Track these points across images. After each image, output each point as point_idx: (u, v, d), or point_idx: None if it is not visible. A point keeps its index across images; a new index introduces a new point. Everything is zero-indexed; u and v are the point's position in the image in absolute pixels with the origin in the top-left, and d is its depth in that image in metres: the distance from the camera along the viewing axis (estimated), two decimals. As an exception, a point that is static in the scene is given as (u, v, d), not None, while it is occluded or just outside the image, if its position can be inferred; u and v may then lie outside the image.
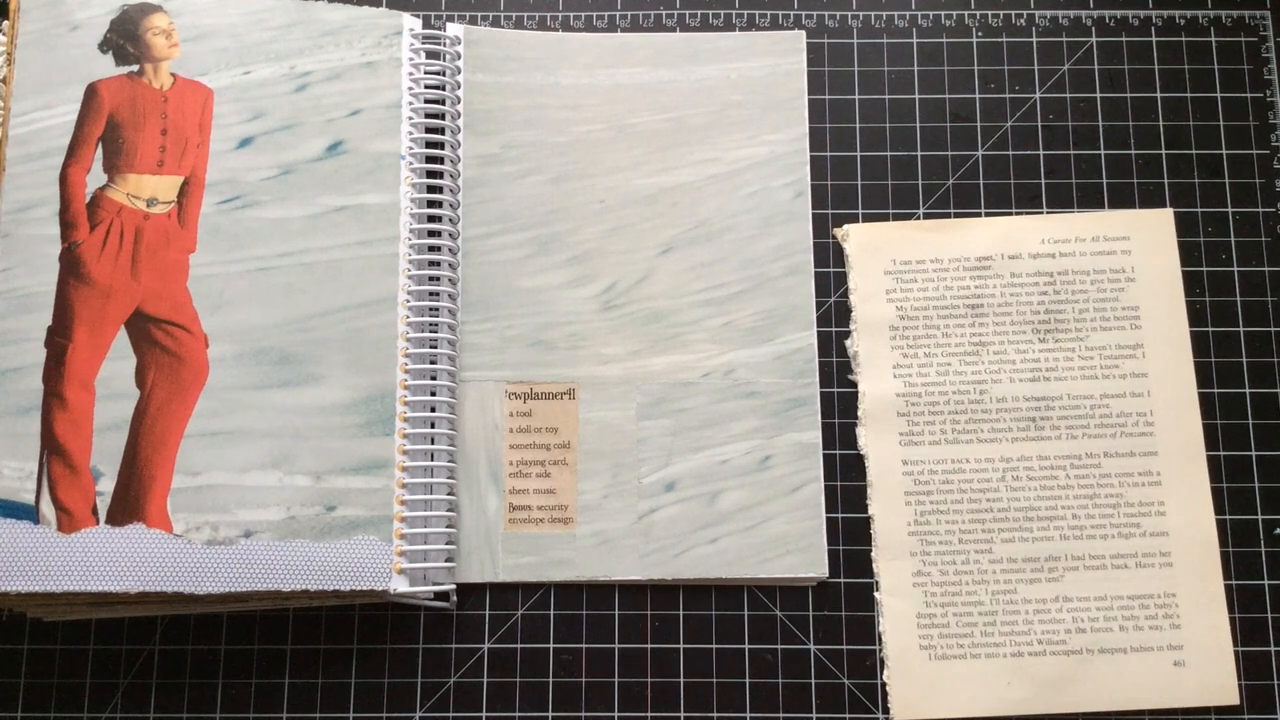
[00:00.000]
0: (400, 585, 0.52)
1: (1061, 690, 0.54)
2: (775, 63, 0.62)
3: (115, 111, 0.55)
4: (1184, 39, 0.62)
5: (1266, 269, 0.59)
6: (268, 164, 0.55)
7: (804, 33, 0.62)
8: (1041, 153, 0.61)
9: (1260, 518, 0.56)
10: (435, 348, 0.56)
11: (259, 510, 0.52)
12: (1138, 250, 0.59)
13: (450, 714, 0.54)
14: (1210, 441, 0.57)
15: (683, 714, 0.54)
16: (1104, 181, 0.60)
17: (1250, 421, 0.57)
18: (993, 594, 0.55)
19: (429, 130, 0.58)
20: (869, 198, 0.60)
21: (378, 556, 0.52)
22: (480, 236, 0.59)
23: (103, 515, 0.51)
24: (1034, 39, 0.62)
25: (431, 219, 0.58)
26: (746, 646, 0.55)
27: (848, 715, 0.54)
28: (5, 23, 0.56)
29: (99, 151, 0.54)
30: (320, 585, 0.51)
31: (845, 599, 0.56)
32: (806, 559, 0.56)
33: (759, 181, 0.60)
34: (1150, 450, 0.56)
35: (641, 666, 0.55)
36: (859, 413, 0.57)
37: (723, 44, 0.62)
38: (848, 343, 0.58)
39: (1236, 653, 0.55)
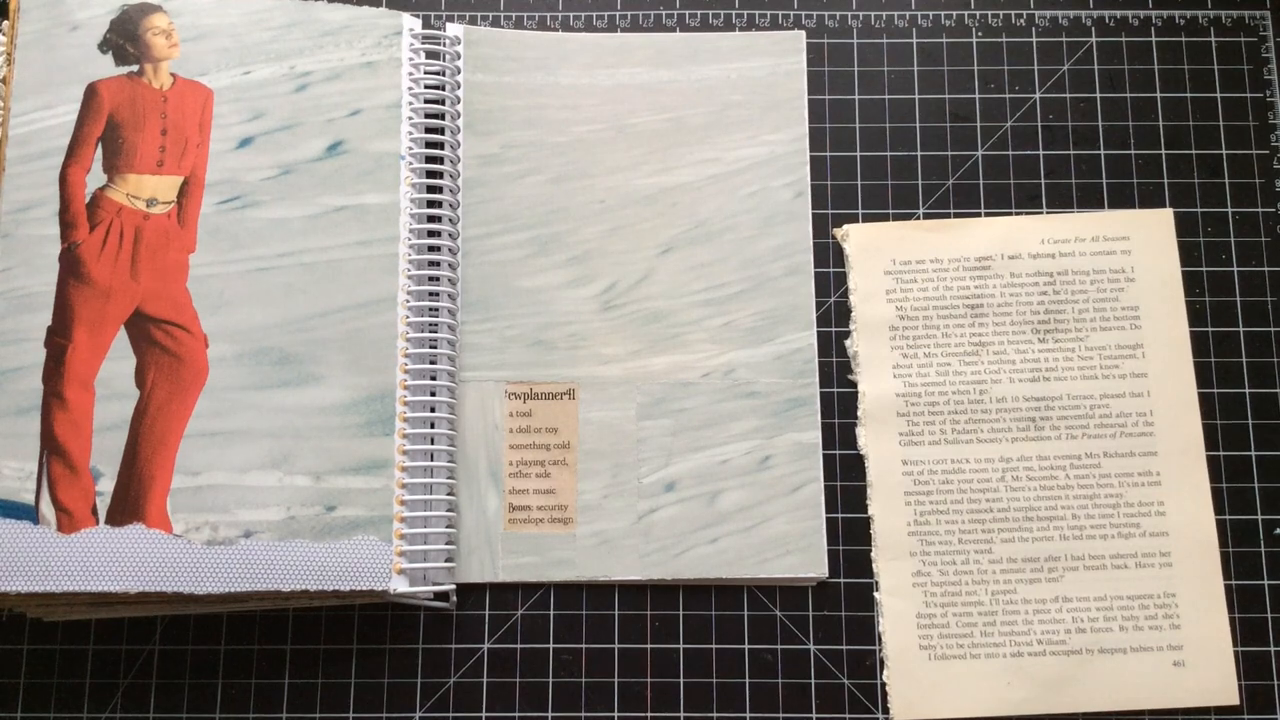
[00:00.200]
0: (400, 585, 0.52)
1: (1061, 690, 0.54)
2: (775, 63, 0.62)
3: (115, 111, 0.55)
4: (1184, 39, 0.62)
5: (1266, 269, 0.59)
6: (268, 164, 0.55)
7: (804, 33, 0.62)
8: (1041, 153, 0.61)
9: (1260, 518, 0.56)
10: (435, 348, 0.56)
11: (259, 510, 0.52)
12: (1138, 250, 0.59)
13: (450, 714, 0.54)
14: (1210, 441, 0.57)
15: (683, 714, 0.54)
16: (1104, 181, 0.60)
17: (1250, 421, 0.57)
18: (993, 594, 0.55)
19: (429, 130, 0.58)
20: (869, 198, 0.60)
21: (378, 556, 0.52)
22: (480, 236, 0.59)
23: (102, 515, 0.51)
24: (1034, 39, 0.62)
25: (431, 219, 0.58)
26: (746, 646, 0.55)
27: (848, 715, 0.54)
28: (5, 23, 0.56)
29: (99, 151, 0.54)
30: (320, 585, 0.51)
31: (845, 599, 0.56)
32: (806, 559, 0.56)
33: (759, 181, 0.60)
34: (1150, 450, 0.56)
35: (641, 666, 0.55)
36: (859, 413, 0.57)
37: (723, 44, 0.62)
38: (848, 343, 0.58)
39: (1236, 653, 0.55)
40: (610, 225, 0.59)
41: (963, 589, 0.55)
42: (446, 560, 0.54)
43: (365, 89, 0.57)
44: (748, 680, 0.55)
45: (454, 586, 0.55)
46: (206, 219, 0.54)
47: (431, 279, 0.57)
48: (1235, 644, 0.55)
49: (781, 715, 0.54)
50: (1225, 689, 0.54)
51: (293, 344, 0.54)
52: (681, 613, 0.56)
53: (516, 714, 0.54)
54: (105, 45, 0.55)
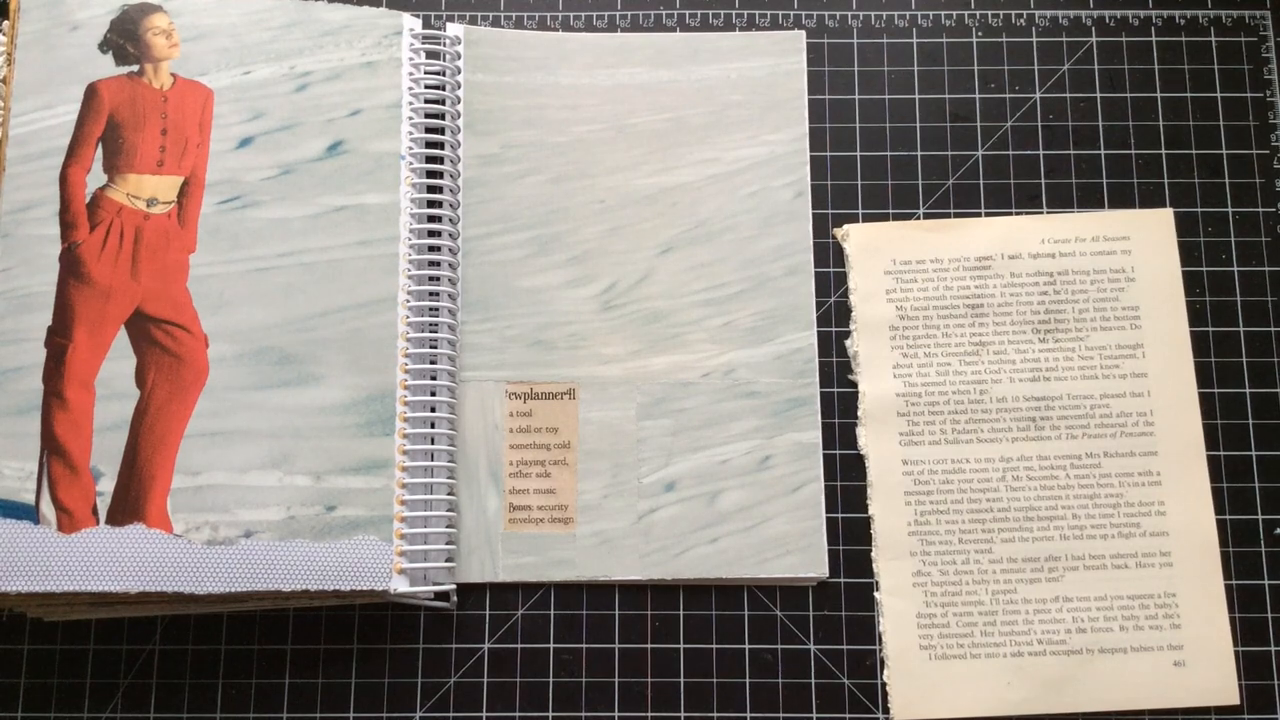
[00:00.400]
0: (400, 585, 0.52)
1: (1061, 690, 0.54)
2: (775, 63, 0.62)
3: (115, 111, 0.55)
4: (1184, 39, 0.62)
5: (1266, 269, 0.59)
6: (268, 164, 0.55)
7: (804, 33, 0.62)
8: (1041, 153, 0.61)
9: (1260, 518, 0.56)
10: (435, 348, 0.56)
11: (259, 510, 0.52)
12: (1138, 250, 0.59)
13: (450, 714, 0.54)
14: (1210, 441, 0.57)
15: (683, 714, 0.54)
16: (1104, 181, 0.60)
17: (1250, 421, 0.57)
18: (993, 594, 0.55)
19: (429, 130, 0.58)
20: (869, 198, 0.60)
21: (378, 556, 0.52)
22: (480, 236, 0.59)
23: (103, 515, 0.51)
24: (1034, 39, 0.62)
25: (431, 219, 0.58)
26: (746, 646, 0.55)
27: (848, 715, 0.54)
28: (5, 23, 0.56)
29: (99, 151, 0.54)
30: (320, 585, 0.51)
31: (845, 599, 0.56)
32: (806, 559, 0.56)
33: (759, 181, 0.60)
34: (1150, 450, 0.56)
35: (641, 666, 0.55)
36: (859, 413, 0.57)
37: (723, 44, 0.62)
38: (848, 343, 0.58)
39: (1236, 653, 0.55)
40: (610, 225, 0.59)
41: (963, 589, 0.55)
42: (447, 560, 0.54)
43: (365, 89, 0.57)
44: (748, 680, 0.55)
45: (454, 586, 0.55)
46: (206, 219, 0.54)
47: (431, 279, 0.57)
48: (1235, 644, 0.55)
49: (781, 715, 0.54)
50: (1225, 689, 0.54)
51: (293, 344, 0.54)
52: (682, 613, 0.56)
53: (517, 714, 0.54)
54: (105, 45, 0.55)
